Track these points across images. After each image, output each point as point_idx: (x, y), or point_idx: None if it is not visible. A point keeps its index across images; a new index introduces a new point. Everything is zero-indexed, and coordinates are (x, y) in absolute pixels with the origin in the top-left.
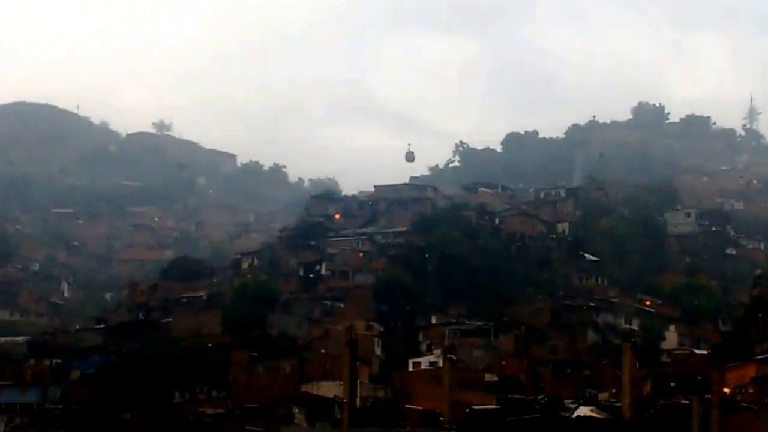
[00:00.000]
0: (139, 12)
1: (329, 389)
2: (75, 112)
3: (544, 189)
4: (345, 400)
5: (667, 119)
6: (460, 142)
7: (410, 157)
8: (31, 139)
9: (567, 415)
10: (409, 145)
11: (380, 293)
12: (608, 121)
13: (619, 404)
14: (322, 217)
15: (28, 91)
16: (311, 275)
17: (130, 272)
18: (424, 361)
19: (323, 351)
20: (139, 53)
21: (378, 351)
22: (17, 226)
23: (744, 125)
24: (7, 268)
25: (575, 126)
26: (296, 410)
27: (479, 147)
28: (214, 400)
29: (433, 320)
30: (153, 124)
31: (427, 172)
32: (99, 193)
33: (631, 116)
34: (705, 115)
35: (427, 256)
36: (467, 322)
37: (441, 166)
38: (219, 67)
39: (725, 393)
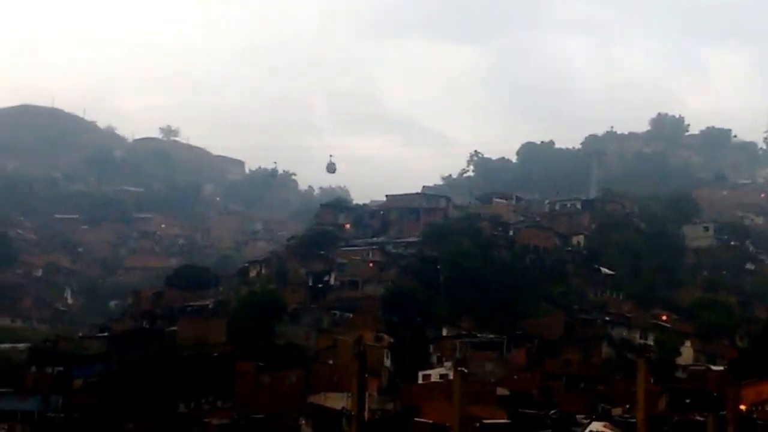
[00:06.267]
0: (146, 17)
1: (337, 401)
2: (81, 116)
3: (560, 201)
4: (353, 413)
5: (687, 131)
6: (475, 151)
7: (331, 168)
8: (36, 142)
9: (579, 430)
10: (331, 156)
11: (390, 304)
12: (626, 133)
13: (633, 420)
14: (331, 226)
15: (33, 95)
16: (320, 285)
17: (135, 280)
18: (434, 374)
19: (331, 362)
20: (145, 58)
21: (387, 363)
22: (20, 231)
23: (765, 138)
24: (9, 273)
25: (592, 137)
26: (303, 422)
27: (494, 157)
28: (219, 411)
29: (444, 332)
30: (160, 129)
31: (441, 182)
32: (104, 198)
33: (649, 127)
34: (725, 127)
35: (438, 267)
36: (479, 335)
37: (454, 176)
38: (226, 73)
39: (741, 410)
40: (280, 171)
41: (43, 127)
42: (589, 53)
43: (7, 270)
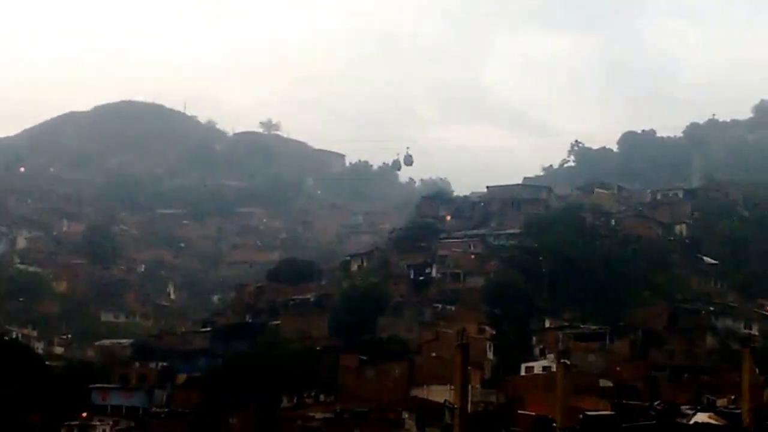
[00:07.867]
0: (247, 13)
1: (440, 394)
2: (182, 111)
3: (662, 190)
4: (456, 405)
5: None
6: (575, 141)
7: (408, 161)
8: (138, 138)
9: (684, 421)
10: (407, 148)
11: (492, 296)
12: (728, 120)
13: (738, 411)
14: (433, 218)
15: (135, 91)
16: (422, 277)
17: (237, 274)
18: (537, 366)
19: (434, 355)
20: (246, 53)
21: (490, 355)
22: (123, 227)
23: None
24: (112, 269)
25: (694, 125)
26: (406, 415)
27: (595, 146)
28: (322, 405)
29: (547, 324)
30: (260, 123)
31: (541, 173)
32: (205, 193)
33: (752, 114)
34: None
35: (540, 258)
36: (582, 326)
37: (555, 166)
38: (327, 66)
39: None
40: (380, 163)
41: (146, 123)
42: (690, 40)
43: (110, 266)
